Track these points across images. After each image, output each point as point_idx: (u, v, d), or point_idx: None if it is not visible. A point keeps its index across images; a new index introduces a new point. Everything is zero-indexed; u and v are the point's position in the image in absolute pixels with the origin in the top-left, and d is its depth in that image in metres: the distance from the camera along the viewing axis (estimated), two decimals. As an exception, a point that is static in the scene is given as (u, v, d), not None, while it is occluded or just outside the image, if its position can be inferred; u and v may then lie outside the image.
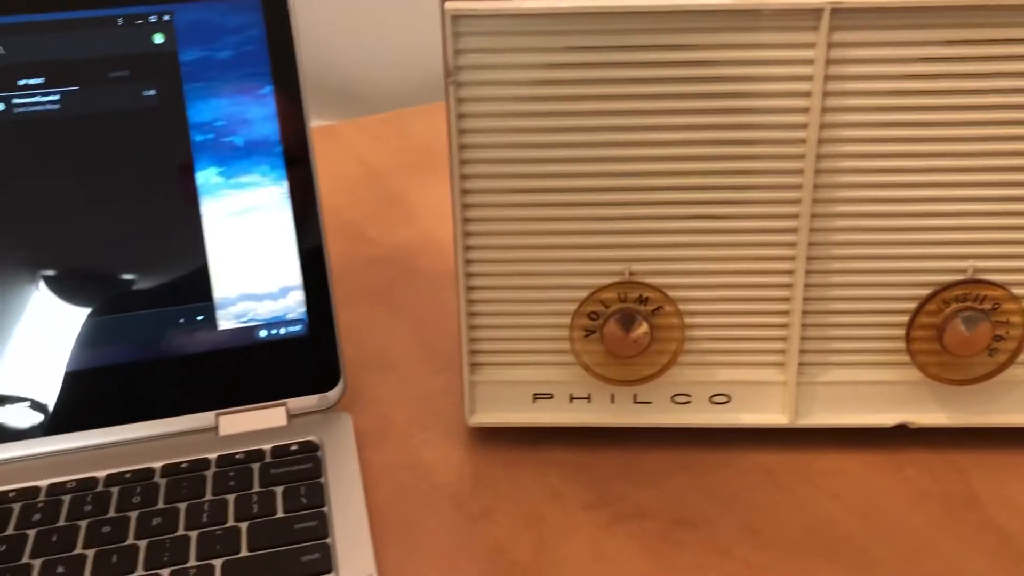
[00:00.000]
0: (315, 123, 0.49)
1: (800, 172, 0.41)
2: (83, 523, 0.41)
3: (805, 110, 0.40)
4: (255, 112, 0.46)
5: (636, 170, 0.42)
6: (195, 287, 0.46)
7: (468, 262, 0.44)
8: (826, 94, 0.40)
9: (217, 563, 0.39)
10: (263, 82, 0.46)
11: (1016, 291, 0.42)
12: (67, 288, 0.45)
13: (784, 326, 0.44)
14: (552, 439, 0.46)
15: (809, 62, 0.40)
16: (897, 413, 0.45)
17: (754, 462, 0.45)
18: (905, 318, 0.43)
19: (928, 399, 0.45)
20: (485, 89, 0.41)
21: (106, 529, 0.41)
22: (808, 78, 0.40)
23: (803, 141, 0.41)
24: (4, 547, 0.40)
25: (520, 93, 0.41)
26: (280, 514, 0.41)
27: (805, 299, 0.43)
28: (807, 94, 0.40)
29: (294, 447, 0.45)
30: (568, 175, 0.42)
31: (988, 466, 0.44)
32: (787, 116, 0.41)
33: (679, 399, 0.45)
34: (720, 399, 0.45)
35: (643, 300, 0.43)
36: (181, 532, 0.40)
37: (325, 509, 0.41)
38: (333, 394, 0.48)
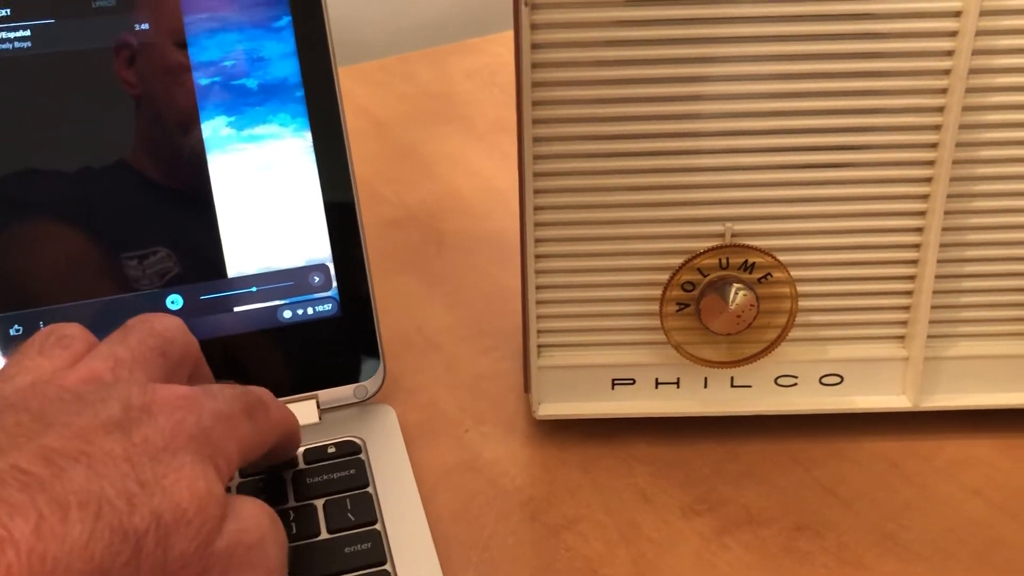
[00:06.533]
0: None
1: (941, 110, 0.34)
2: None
3: (953, 34, 0.33)
4: (271, 49, 0.38)
5: (739, 110, 0.35)
6: (204, 262, 0.39)
7: (538, 225, 0.36)
8: (982, 13, 0.33)
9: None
10: (279, 11, 0.38)
11: None
12: (47, 266, 0.37)
13: (910, 292, 0.37)
14: (634, 432, 0.39)
15: (962, -27, 0.33)
16: (1036, 391, 0.39)
17: (872, 451, 0.38)
18: (1054, 281, 0.37)
19: (1073, 374, 0.38)
20: (567, 12, 0.33)
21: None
22: (959, -7, 0.33)
23: (948, 72, 0.34)
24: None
25: (608, 17, 0.33)
26: (324, 535, 0.34)
27: (939, 261, 0.36)
28: (956, 14, 0.33)
29: (331, 449, 0.38)
30: (659, 118, 0.35)
31: None
32: (929, 41, 0.34)
33: (783, 381, 0.39)
34: (831, 380, 0.39)
35: (748, 266, 0.36)
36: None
37: (378, 527, 0.34)
38: (372, 383, 0.40)
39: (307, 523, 0.34)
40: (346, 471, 0.36)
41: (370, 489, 0.36)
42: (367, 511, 0.35)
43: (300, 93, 0.39)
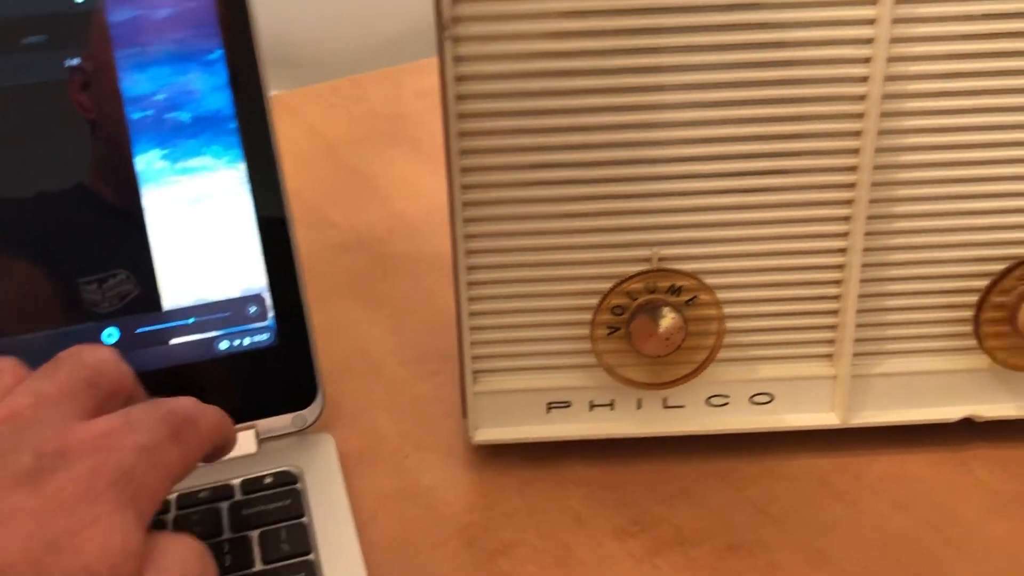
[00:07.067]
0: (272, 93, 0.42)
1: (859, 134, 0.35)
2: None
3: (867, 60, 0.34)
4: (203, 82, 0.39)
5: (664, 138, 0.35)
6: (139, 295, 0.39)
7: (469, 252, 0.37)
8: (893, 40, 0.34)
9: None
10: (212, 45, 0.38)
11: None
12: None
13: (835, 312, 0.38)
14: (570, 454, 0.40)
15: (872, 2, 0.33)
16: (962, 406, 0.39)
17: (803, 469, 0.39)
18: (974, 298, 0.38)
19: (996, 389, 0.39)
20: (490, 45, 0.34)
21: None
22: (870, 21, 0.34)
23: (863, 97, 0.35)
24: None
25: (531, 49, 0.34)
26: (258, 566, 0.34)
27: (862, 281, 0.37)
28: (869, 41, 0.34)
29: (268, 479, 0.38)
30: (585, 146, 0.35)
31: (1064, 461, 0.39)
32: (846, 68, 0.34)
33: (715, 401, 0.39)
34: (762, 399, 0.39)
35: (675, 290, 0.37)
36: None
37: (312, 557, 0.35)
38: (310, 412, 0.41)
39: (242, 554, 0.34)
40: (282, 501, 0.37)
41: (305, 519, 0.36)
42: (301, 541, 0.35)
43: (233, 125, 0.39)
